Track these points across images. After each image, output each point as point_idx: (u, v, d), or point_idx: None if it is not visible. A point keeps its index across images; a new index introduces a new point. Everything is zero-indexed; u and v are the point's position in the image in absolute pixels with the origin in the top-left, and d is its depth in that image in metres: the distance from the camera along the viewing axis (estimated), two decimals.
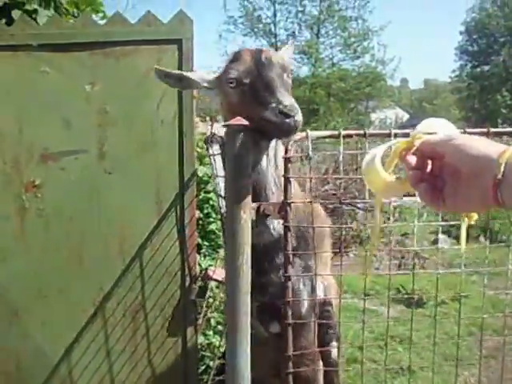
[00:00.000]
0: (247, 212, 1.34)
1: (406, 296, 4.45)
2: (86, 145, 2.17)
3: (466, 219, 0.89)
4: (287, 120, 1.39)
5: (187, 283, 2.20)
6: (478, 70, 28.72)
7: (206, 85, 1.71)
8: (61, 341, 2.23)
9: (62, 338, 2.23)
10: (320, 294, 1.76)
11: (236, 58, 1.60)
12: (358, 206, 5.90)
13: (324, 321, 1.72)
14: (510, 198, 0.66)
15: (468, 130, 1.48)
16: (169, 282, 2.19)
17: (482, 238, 5.76)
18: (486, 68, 28.10)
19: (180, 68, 2.11)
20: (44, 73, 2.16)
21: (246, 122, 1.35)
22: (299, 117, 1.40)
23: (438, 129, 0.85)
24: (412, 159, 0.80)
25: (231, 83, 1.56)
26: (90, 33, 2.15)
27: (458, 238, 6.26)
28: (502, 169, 0.65)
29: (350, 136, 1.55)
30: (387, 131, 1.54)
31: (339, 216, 6.46)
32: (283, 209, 1.47)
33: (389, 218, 6.79)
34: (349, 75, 20.25)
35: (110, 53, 2.15)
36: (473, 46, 29.09)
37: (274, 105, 1.41)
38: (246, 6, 22.06)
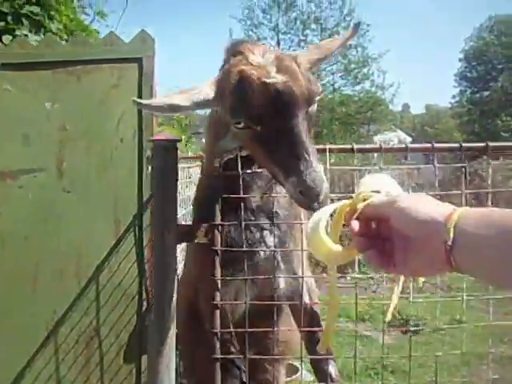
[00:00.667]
0: (171, 233, 1.28)
1: (401, 321, 4.33)
2: (45, 163, 2.14)
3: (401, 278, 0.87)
4: (310, 202, 1.12)
5: (144, 308, 2.12)
6: (478, 95, 29.04)
7: (197, 107, 1.31)
8: (10, 367, 2.13)
9: (11, 363, 2.13)
10: (306, 299, 1.62)
11: (242, 85, 1.21)
12: None
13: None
14: (464, 262, 0.64)
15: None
16: (126, 307, 2.11)
17: None
18: (486, 93, 28.41)
19: (140, 86, 2.10)
20: (6, 91, 2.16)
21: (176, 137, 1.27)
22: (323, 193, 1.11)
23: (382, 187, 0.82)
24: (355, 224, 0.76)
25: (236, 123, 1.22)
26: (53, 52, 2.15)
27: None
28: (452, 234, 0.63)
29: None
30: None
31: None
32: (211, 231, 1.37)
33: None
34: (350, 100, 20.44)
35: (72, 71, 2.15)
36: (472, 73, 29.44)
37: (294, 179, 1.12)
38: (250, 35, 22.52)
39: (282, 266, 1.61)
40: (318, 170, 1.13)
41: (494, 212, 0.63)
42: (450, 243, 0.63)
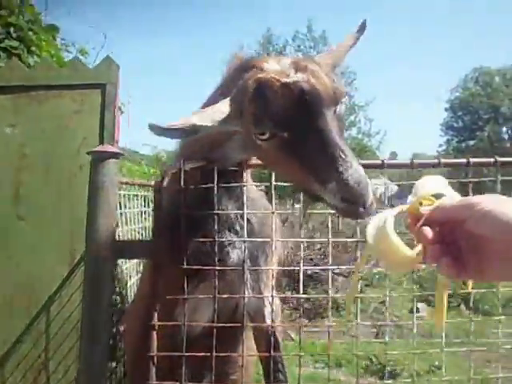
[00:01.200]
0: (107, 250, 1.21)
1: (378, 367, 4.18)
2: (0, 189, 2.08)
3: (443, 290, 0.82)
4: (355, 209, 0.98)
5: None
6: (464, 144, 29.55)
7: (219, 126, 1.18)
8: None
9: None
10: (267, 314, 1.52)
11: (262, 90, 1.11)
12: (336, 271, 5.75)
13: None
14: None
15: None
16: (75, 340, 1.98)
17: (462, 307, 5.54)
18: (472, 143, 28.93)
19: (103, 112, 2.08)
20: None
21: (116, 150, 1.19)
22: (371, 196, 0.98)
23: (442, 190, 0.78)
24: (428, 232, 0.71)
25: (261, 135, 1.10)
26: (16, 77, 2.14)
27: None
28: None
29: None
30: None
31: (318, 282, 6.33)
32: (151, 248, 1.30)
33: (367, 285, 6.60)
34: None
35: (34, 96, 2.13)
36: (458, 123, 30.10)
37: (333, 184, 0.99)
38: None
39: (249, 283, 1.47)
40: (359, 171, 1.00)
41: None
42: None
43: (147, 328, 1.34)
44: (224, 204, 1.43)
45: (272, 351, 1.41)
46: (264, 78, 1.12)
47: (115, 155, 1.23)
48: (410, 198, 0.80)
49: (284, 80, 1.10)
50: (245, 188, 1.40)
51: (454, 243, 0.70)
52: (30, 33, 2.82)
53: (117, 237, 1.32)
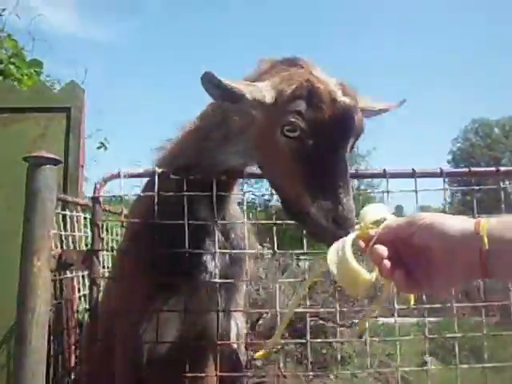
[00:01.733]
0: (42, 259, 1.14)
1: None
2: None
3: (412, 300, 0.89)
4: (338, 231, 1.02)
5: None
6: (468, 197, 29.59)
7: (253, 104, 1.19)
8: None
9: None
10: (233, 336, 1.47)
11: (313, 99, 1.13)
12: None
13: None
14: (501, 269, 0.66)
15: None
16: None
17: (471, 361, 5.17)
18: (477, 195, 28.95)
19: (67, 136, 2.04)
20: None
21: (54, 156, 1.14)
22: (352, 225, 1.02)
23: (385, 215, 0.85)
24: (382, 249, 0.76)
25: (290, 131, 1.13)
26: None
27: (446, 361, 5.73)
28: (486, 241, 0.65)
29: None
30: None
31: (322, 333, 5.99)
32: (89, 258, 1.24)
33: (372, 337, 6.26)
34: None
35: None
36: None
37: (330, 205, 1.05)
38: None
39: (220, 299, 1.39)
40: (352, 203, 1.08)
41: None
42: (486, 249, 0.65)
43: (108, 345, 1.29)
44: (203, 217, 1.38)
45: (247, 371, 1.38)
46: (318, 85, 1.15)
47: (53, 161, 1.19)
48: (356, 226, 0.88)
49: (334, 96, 1.14)
50: (230, 205, 1.42)
51: (404, 259, 0.75)
52: (12, 66, 2.82)
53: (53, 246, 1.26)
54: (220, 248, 1.37)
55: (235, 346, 1.46)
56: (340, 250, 0.82)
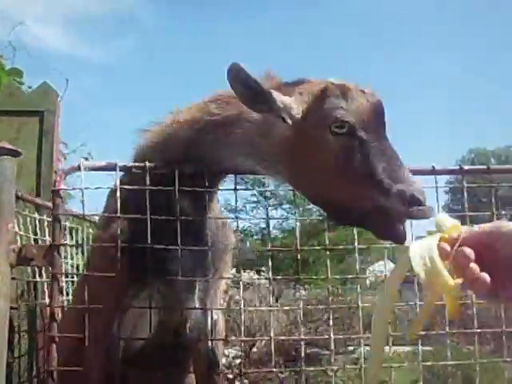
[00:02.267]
0: (0, 252, 1.13)
1: None
2: None
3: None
4: (421, 209, 1.02)
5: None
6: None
7: (286, 116, 1.17)
8: None
9: None
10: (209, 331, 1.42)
11: (346, 94, 1.16)
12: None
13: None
14: None
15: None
16: None
17: None
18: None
19: (40, 140, 2.00)
20: None
21: (13, 147, 1.13)
22: (426, 200, 1.03)
23: (457, 222, 0.83)
24: (470, 251, 0.73)
25: (338, 127, 1.12)
26: None
27: None
28: None
29: None
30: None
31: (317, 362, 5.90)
32: (50, 253, 1.20)
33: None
34: (335, 226, 20.64)
35: None
36: (458, 205, 30.32)
37: (399, 187, 1.04)
38: None
39: (196, 293, 1.39)
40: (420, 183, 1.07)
41: None
42: None
43: (79, 342, 1.24)
44: (186, 212, 1.35)
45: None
46: (349, 84, 1.19)
47: (12, 152, 1.16)
48: (427, 235, 0.83)
49: (361, 89, 1.18)
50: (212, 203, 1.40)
51: (485, 266, 0.73)
52: None
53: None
54: (197, 242, 1.34)
55: (209, 342, 1.42)
56: (426, 254, 0.77)
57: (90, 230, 2.46)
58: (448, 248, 0.76)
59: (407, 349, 6.25)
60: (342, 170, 1.13)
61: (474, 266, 0.73)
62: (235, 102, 1.24)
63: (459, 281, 0.76)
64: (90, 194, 1.34)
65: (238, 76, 1.13)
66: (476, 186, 1.64)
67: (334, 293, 7.09)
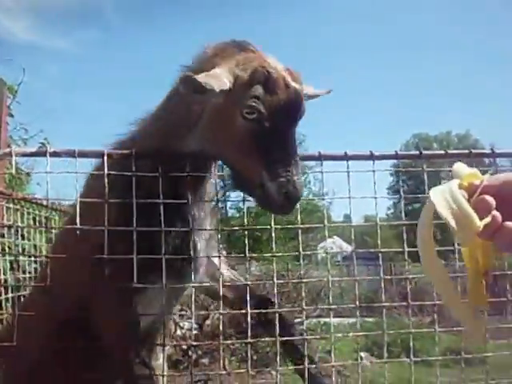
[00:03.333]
0: None
1: None
2: None
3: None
4: (289, 203, 1.22)
5: None
6: (410, 207, 30.78)
7: (219, 94, 1.25)
8: None
9: None
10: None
11: (268, 84, 1.25)
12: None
13: None
14: None
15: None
16: None
17: (403, 357, 5.51)
18: (417, 206, 30.20)
19: None
20: None
21: None
22: (298, 201, 1.23)
23: (475, 171, 0.79)
24: (491, 199, 0.69)
25: (249, 113, 1.24)
26: None
27: (380, 357, 6.02)
28: None
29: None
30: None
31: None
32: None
33: (312, 334, 6.48)
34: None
35: None
36: (403, 187, 31.47)
37: (282, 179, 1.19)
38: None
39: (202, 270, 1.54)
40: (302, 180, 1.22)
41: None
42: None
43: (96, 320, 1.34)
44: (185, 198, 1.42)
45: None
46: (272, 70, 1.27)
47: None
48: (453, 181, 0.78)
49: (287, 82, 1.27)
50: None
51: (504, 218, 0.69)
52: None
53: None
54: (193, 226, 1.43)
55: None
56: (448, 195, 0.74)
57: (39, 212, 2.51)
58: (466, 195, 0.72)
59: (352, 320, 6.64)
60: (245, 147, 1.27)
61: (496, 213, 0.69)
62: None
63: (488, 220, 0.70)
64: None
65: (187, 81, 1.24)
66: (386, 170, 1.78)
67: (285, 268, 7.32)
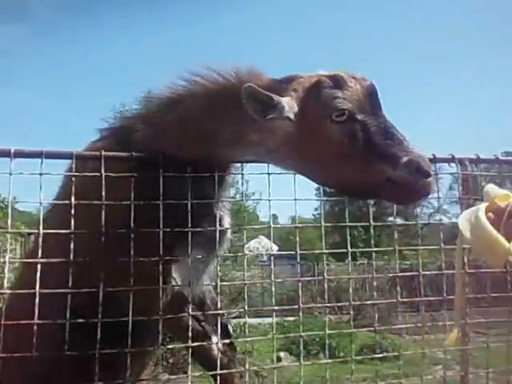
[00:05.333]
0: None
1: None
2: None
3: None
4: (428, 179, 1.13)
5: None
6: (336, 208, 31.95)
7: (291, 116, 1.24)
8: None
9: None
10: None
11: (339, 83, 1.25)
12: None
13: None
14: None
15: None
16: None
17: (321, 355, 5.60)
18: (342, 207, 31.48)
19: None
20: None
21: None
22: (431, 166, 1.16)
23: (506, 192, 0.84)
24: None
25: (339, 116, 1.20)
26: None
27: (298, 356, 6.13)
28: None
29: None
30: None
31: None
32: None
33: (235, 335, 6.46)
34: None
35: None
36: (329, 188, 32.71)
37: (406, 158, 1.13)
38: None
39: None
40: (418, 148, 1.16)
41: None
42: None
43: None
44: (208, 197, 1.42)
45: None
46: (339, 73, 1.26)
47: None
48: (481, 204, 0.85)
49: (351, 75, 1.27)
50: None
51: None
52: None
53: None
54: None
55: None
56: (473, 218, 0.81)
57: None
58: (492, 217, 0.80)
59: (274, 319, 6.67)
60: (350, 153, 1.21)
61: None
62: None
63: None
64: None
65: (251, 96, 1.21)
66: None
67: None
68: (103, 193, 1.26)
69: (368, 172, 1.20)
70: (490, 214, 0.81)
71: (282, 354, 5.81)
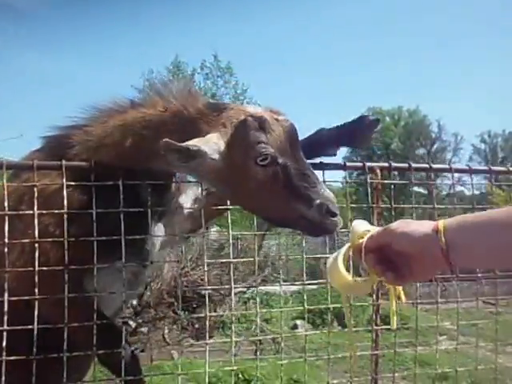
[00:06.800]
0: None
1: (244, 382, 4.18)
2: None
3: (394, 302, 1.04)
4: (334, 219, 1.28)
5: None
6: (363, 177, 31.59)
7: (215, 157, 1.31)
8: None
9: None
10: None
11: (264, 126, 1.33)
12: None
13: None
14: (460, 261, 0.84)
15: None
16: None
17: (335, 323, 5.70)
18: (369, 176, 31.14)
19: None
20: None
21: None
22: (337, 208, 1.30)
23: (368, 227, 0.99)
24: (372, 257, 0.92)
25: (263, 160, 1.30)
26: None
27: (314, 324, 6.25)
28: (444, 241, 0.82)
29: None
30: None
31: (211, 302, 6.18)
32: None
33: (254, 303, 6.63)
34: None
35: None
36: (357, 157, 32.34)
37: (318, 201, 1.28)
38: None
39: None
40: (329, 191, 1.32)
41: (466, 217, 0.85)
42: (444, 247, 0.82)
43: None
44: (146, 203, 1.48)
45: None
46: (263, 115, 1.35)
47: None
48: (344, 247, 1.01)
49: (279, 117, 1.37)
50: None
51: (391, 259, 0.91)
52: None
53: None
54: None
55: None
56: (333, 259, 0.99)
57: None
58: (355, 255, 0.97)
59: (295, 288, 6.81)
60: (271, 192, 1.33)
61: (379, 268, 0.92)
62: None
63: (354, 279, 0.98)
64: None
65: (169, 149, 1.26)
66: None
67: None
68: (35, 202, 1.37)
69: (287, 209, 1.33)
70: (353, 253, 0.98)
71: (298, 322, 5.95)
